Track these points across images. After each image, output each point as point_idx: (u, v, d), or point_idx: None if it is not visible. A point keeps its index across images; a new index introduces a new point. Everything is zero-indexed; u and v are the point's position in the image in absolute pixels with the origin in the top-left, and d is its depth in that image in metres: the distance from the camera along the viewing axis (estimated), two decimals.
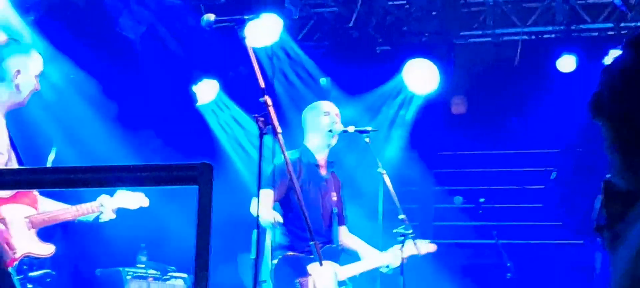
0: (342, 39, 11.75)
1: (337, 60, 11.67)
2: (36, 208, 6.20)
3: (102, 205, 6.41)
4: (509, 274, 9.43)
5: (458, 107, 12.09)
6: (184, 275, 10.32)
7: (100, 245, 10.06)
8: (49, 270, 7.11)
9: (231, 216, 9.38)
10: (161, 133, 11.50)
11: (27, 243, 6.09)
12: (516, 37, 11.51)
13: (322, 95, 8.45)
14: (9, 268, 5.93)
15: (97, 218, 6.46)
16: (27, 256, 6.14)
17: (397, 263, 7.83)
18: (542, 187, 12.32)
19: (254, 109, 5.30)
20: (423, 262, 8.84)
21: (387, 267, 7.90)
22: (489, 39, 11.78)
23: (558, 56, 11.15)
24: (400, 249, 7.80)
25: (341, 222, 7.95)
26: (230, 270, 9.55)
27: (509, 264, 9.45)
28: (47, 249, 6.26)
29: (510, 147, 12.49)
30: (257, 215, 6.83)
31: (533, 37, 11.49)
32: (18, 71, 6.08)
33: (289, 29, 10.86)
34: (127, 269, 9.88)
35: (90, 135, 10.81)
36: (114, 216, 6.49)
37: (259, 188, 5.07)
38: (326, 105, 7.87)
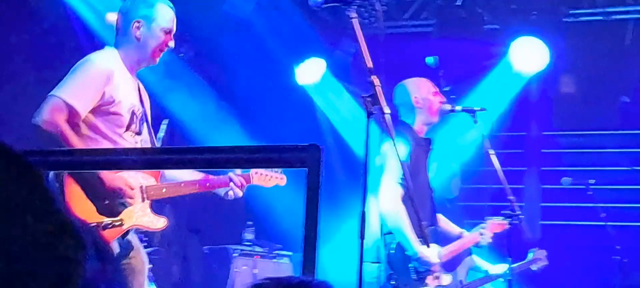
0: (449, 17, 11.66)
1: (445, 39, 11.58)
2: (157, 178, 5.94)
3: (231, 181, 6.05)
4: (618, 257, 9.26)
5: (567, 86, 11.90)
6: (290, 253, 10.38)
7: (208, 222, 10.17)
8: (157, 247, 7.05)
9: (337, 197, 9.42)
10: (266, 113, 11.55)
11: (137, 215, 5.76)
12: (627, 16, 11.29)
13: (429, 74, 8.32)
14: (113, 241, 5.63)
15: (226, 192, 6.12)
16: (136, 229, 5.82)
17: (486, 241, 7.78)
18: None
19: (363, 89, 5.25)
20: (530, 244, 8.76)
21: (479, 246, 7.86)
22: (600, 17, 11.57)
23: None
24: (483, 228, 7.78)
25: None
26: (332, 250, 9.56)
27: (618, 247, 9.28)
28: (158, 223, 5.90)
29: (621, 127, 12.26)
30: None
31: None
32: (138, 23, 5.89)
33: (396, 9, 10.81)
34: (233, 247, 9.97)
35: (195, 112, 10.91)
36: (240, 194, 6.12)
37: (365, 172, 5.01)
38: (430, 84, 7.76)
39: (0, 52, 9.47)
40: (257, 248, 10.19)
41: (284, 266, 10.28)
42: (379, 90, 5.14)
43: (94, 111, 5.67)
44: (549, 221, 11.59)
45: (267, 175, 6.27)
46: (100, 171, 5.47)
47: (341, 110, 11.97)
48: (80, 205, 5.50)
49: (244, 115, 11.44)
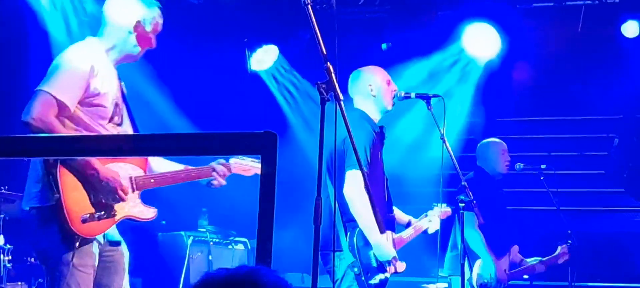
0: (402, 4, 11.69)
1: (398, 25, 11.62)
2: (144, 169, 5.98)
3: (214, 171, 6.16)
4: (569, 241, 9.37)
5: (520, 72, 11.99)
6: (245, 239, 10.39)
7: (162, 209, 10.15)
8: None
9: (292, 183, 9.44)
10: (220, 100, 11.52)
11: (128, 206, 5.82)
12: (579, 2, 11.39)
13: (383, 61, 8.34)
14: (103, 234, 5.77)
15: (209, 182, 6.23)
16: (129, 219, 5.88)
17: (435, 228, 7.85)
18: (605, 153, 12.21)
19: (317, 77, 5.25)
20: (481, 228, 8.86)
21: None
22: (552, 4, 11.66)
23: (622, 22, 11.02)
24: (427, 215, 7.88)
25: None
26: (289, 237, 9.58)
27: (569, 231, 9.39)
28: (148, 213, 6.01)
29: (573, 113, 12.40)
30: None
31: (596, 2, 11.35)
32: (138, 23, 5.92)
33: None
34: (188, 233, 9.95)
35: (148, 100, 10.86)
36: (224, 183, 6.25)
37: (320, 156, 5.03)
38: (384, 72, 7.76)
39: None
40: (212, 235, 10.18)
41: (239, 252, 10.29)
42: (333, 77, 5.16)
43: (79, 103, 5.68)
44: None
45: (247, 165, 6.37)
46: (95, 163, 5.58)
47: (295, 96, 11.99)
48: (75, 196, 5.56)
49: (198, 104, 11.41)
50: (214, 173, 6.18)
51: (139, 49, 5.97)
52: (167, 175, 6.07)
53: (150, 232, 10.20)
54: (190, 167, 6.18)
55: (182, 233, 9.94)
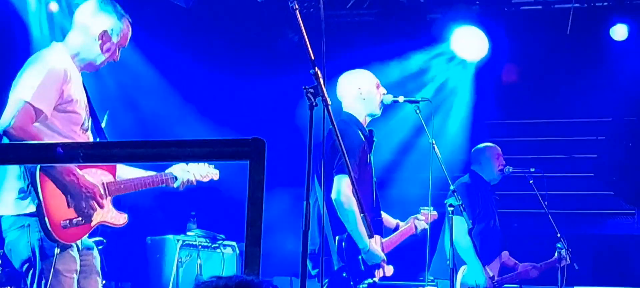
0: (392, 7, 11.70)
1: (386, 28, 11.63)
2: (114, 175, 5.99)
3: (175, 178, 6.27)
4: (559, 244, 9.36)
5: (509, 75, 12.00)
6: (233, 243, 10.36)
7: (151, 213, 10.12)
8: (100, 238, 7.04)
9: (280, 187, 9.44)
10: (209, 105, 11.50)
11: (103, 212, 5.85)
12: (568, 5, 11.39)
13: (371, 64, 8.36)
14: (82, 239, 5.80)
15: (177, 187, 6.33)
16: (103, 225, 5.91)
17: (421, 231, 7.88)
18: (594, 156, 12.23)
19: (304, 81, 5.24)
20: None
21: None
22: (540, 7, 11.68)
23: (611, 25, 11.04)
24: (416, 218, 7.91)
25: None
26: (277, 241, 9.56)
27: (559, 235, 9.39)
28: (121, 218, 6.05)
29: (561, 116, 12.41)
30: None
31: (585, 5, 11.36)
32: (105, 33, 5.90)
33: None
34: (177, 237, 9.93)
35: (140, 102, 10.84)
36: (194, 182, 6.41)
37: (309, 160, 5.01)
38: (373, 76, 7.73)
39: None
40: (201, 239, 10.15)
41: (228, 256, 10.27)
42: (321, 81, 5.15)
43: (53, 109, 5.67)
44: None
45: (202, 171, 6.51)
46: (75, 170, 5.63)
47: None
48: (54, 202, 5.57)
49: (191, 109, 11.39)
50: (176, 179, 6.30)
51: (102, 57, 5.95)
52: (134, 181, 6.13)
53: (138, 235, 10.16)
54: (154, 173, 6.27)
55: (171, 237, 9.91)
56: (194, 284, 2.16)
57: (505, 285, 9.37)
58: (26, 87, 5.56)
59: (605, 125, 12.20)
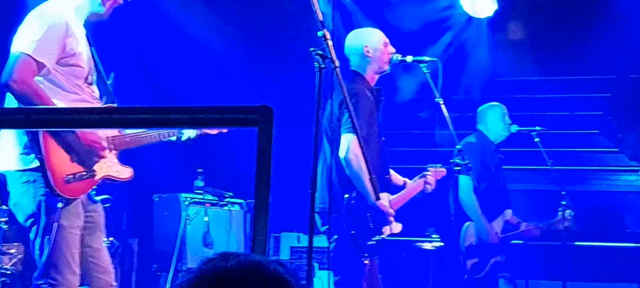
0: None
1: None
2: (119, 130, 5.96)
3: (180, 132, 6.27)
4: (563, 202, 9.39)
5: (516, 32, 11.98)
6: (241, 201, 10.40)
7: (158, 170, 10.16)
8: (107, 195, 7.07)
9: (287, 151, 9.47)
10: (214, 69, 11.51)
11: (107, 166, 5.88)
12: None
13: (378, 23, 8.35)
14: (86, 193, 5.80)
15: (179, 138, 6.36)
16: (108, 179, 5.91)
17: (430, 189, 7.89)
18: (599, 113, 12.23)
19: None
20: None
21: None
22: None
23: None
24: (425, 176, 7.92)
25: None
26: (285, 198, 9.59)
27: (563, 192, 9.41)
28: (126, 172, 6.05)
29: (568, 72, 12.39)
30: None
31: None
32: None
33: None
34: (184, 195, 9.96)
35: (147, 63, 10.86)
36: (194, 135, 6.42)
37: (317, 124, 5.03)
38: (381, 34, 7.72)
39: None
40: (208, 196, 10.19)
41: (236, 213, 10.31)
42: (329, 43, 5.15)
43: (55, 63, 5.67)
44: None
45: None
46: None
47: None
48: (57, 158, 5.58)
49: (193, 72, 11.40)
50: (181, 132, 6.31)
51: (104, 8, 5.93)
52: (139, 135, 6.12)
53: (146, 193, 10.21)
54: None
55: (178, 194, 9.94)
56: (196, 270, 2.14)
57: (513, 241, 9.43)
58: (27, 40, 5.55)
59: (610, 83, 12.19)
